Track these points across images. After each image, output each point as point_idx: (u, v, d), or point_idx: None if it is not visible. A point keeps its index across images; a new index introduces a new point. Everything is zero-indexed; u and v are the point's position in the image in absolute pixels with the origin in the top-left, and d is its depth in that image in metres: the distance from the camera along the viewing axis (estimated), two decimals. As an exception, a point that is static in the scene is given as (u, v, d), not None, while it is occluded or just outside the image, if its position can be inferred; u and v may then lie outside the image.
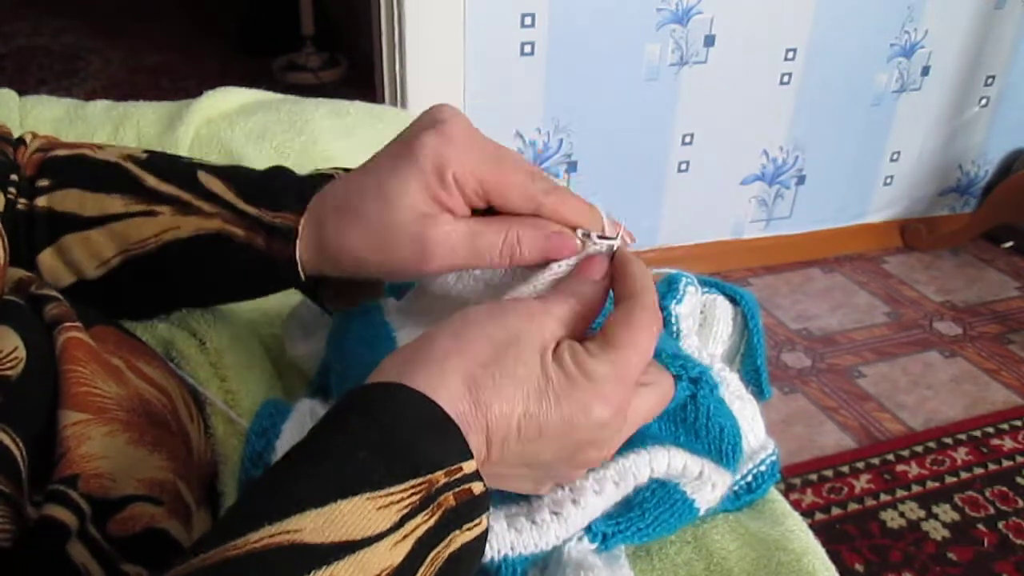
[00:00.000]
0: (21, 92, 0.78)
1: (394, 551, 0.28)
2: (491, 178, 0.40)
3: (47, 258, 0.48)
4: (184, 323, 0.51)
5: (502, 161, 0.40)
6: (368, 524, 0.28)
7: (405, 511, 0.29)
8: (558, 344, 0.36)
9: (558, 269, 0.41)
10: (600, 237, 0.41)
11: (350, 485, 0.29)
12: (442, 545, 0.30)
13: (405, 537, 0.29)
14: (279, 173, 0.48)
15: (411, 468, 0.30)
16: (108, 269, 0.47)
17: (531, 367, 0.34)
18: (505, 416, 0.33)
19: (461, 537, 0.31)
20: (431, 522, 0.30)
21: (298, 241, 0.44)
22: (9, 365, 0.37)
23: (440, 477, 0.30)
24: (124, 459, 0.38)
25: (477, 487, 0.32)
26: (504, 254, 0.40)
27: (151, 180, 0.48)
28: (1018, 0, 1.89)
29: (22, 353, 0.37)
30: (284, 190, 0.46)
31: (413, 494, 0.29)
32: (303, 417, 0.43)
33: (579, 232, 0.41)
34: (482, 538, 0.32)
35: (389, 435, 0.30)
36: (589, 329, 0.39)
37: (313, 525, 0.27)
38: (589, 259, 0.40)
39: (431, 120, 0.41)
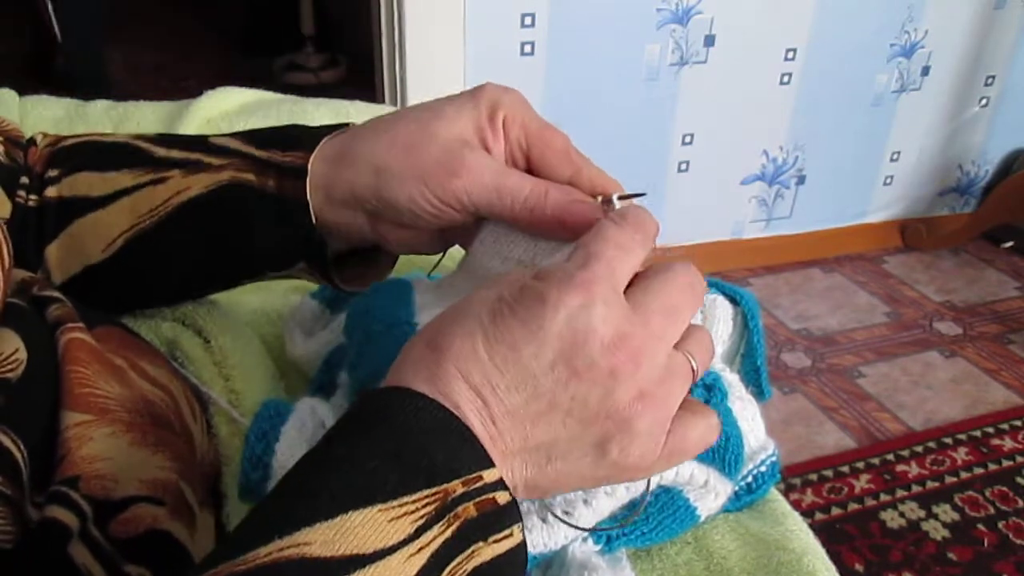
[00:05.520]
0: (21, 92, 0.78)
1: (408, 564, 0.27)
2: (535, 132, 0.42)
3: (55, 250, 0.47)
4: (190, 320, 0.51)
5: (548, 126, 0.43)
6: (380, 536, 0.27)
7: (420, 522, 0.28)
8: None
9: None
10: (621, 197, 0.41)
11: (361, 496, 0.28)
12: (462, 557, 0.29)
13: (420, 549, 0.28)
14: (295, 125, 0.48)
15: (424, 477, 0.28)
16: (114, 250, 0.46)
17: (486, 298, 0.32)
18: (469, 350, 0.31)
19: (488, 550, 0.29)
20: (448, 533, 0.28)
21: (308, 179, 0.43)
22: (10, 367, 0.36)
23: (457, 487, 0.29)
24: (126, 460, 0.38)
25: (502, 497, 0.30)
26: (529, 202, 0.40)
27: (160, 151, 0.47)
28: (1018, 0, 1.89)
29: (23, 355, 0.37)
30: (298, 135, 0.46)
31: (427, 504, 0.28)
32: (303, 417, 0.43)
33: (599, 199, 0.41)
34: (518, 551, 0.30)
35: (400, 442, 0.29)
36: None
37: (323, 538, 0.26)
38: None
39: (496, 83, 0.44)
